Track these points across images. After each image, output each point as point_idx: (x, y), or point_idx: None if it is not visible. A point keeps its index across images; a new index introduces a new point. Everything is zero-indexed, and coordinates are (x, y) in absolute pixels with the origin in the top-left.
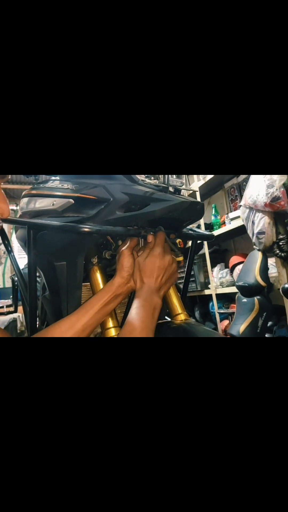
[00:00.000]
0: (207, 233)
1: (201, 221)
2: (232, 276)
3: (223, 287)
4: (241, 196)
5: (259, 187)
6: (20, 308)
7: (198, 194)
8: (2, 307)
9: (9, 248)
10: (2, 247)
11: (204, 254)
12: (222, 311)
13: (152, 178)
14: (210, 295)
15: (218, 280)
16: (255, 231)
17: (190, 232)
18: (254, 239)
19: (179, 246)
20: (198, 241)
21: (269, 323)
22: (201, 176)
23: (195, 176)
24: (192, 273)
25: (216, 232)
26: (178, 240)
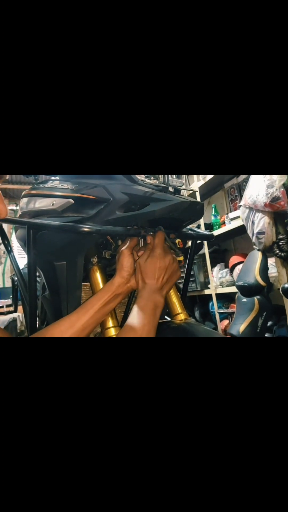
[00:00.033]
0: (207, 233)
1: (201, 221)
2: (232, 276)
3: (223, 287)
4: (241, 196)
5: (259, 187)
6: (20, 308)
7: (198, 194)
8: (2, 306)
9: (9, 248)
10: (2, 247)
11: (204, 254)
12: (222, 311)
13: (152, 178)
14: (210, 295)
15: (218, 280)
16: (255, 231)
17: (190, 232)
18: (254, 239)
19: (178, 246)
20: (198, 241)
21: (269, 323)
22: (201, 176)
23: (195, 176)
24: (192, 273)
25: (216, 232)
26: (177, 240)
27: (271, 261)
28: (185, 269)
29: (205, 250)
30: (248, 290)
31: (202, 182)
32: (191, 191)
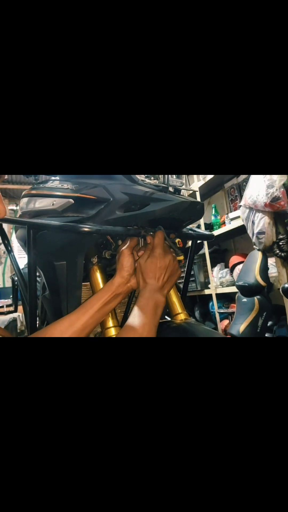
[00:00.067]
0: (207, 233)
1: (201, 221)
2: (232, 276)
3: (223, 286)
4: (241, 196)
5: (259, 187)
6: (20, 308)
7: (198, 194)
8: (2, 306)
9: (9, 248)
10: (2, 246)
11: (204, 254)
12: (222, 310)
13: (152, 178)
14: (210, 295)
15: (218, 280)
16: (255, 231)
17: (190, 232)
18: (254, 239)
19: (178, 246)
20: (198, 241)
21: (269, 323)
22: (201, 176)
23: (195, 176)
24: (192, 273)
25: (216, 232)
26: (177, 240)
27: (271, 261)
28: (185, 269)
29: (205, 250)
30: (248, 290)
31: (202, 182)
32: (191, 191)
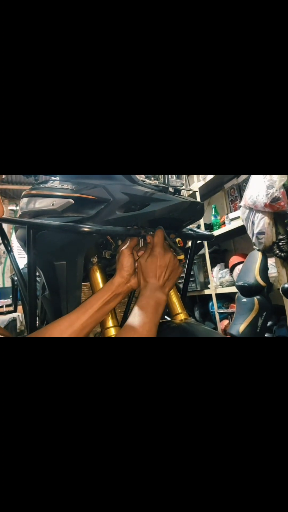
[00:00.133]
0: (207, 233)
1: (201, 222)
2: (232, 276)
3: (222, 287)
4: (241, 196)
5: (259, 188)
6: (19, 308)
7: (198, 194)
8: (2, 306)
9: (9, 248)
10: (2, 246)
11: (204, 254)
12: (221, 310)
13: (152, 178)
14: (210, 295)
15: (218, 280)
16: (255, 232)
17: (190, 232)
18: (254, 239)
19: (179, 245)
20: (198, 241)
21: (269, 323)
22: (201, 177)
23: (195, 176)
24: (192, 273)
25: (216, 233)
26: (177, 239)
27: (271, 261)
28: (185, 269)
29: (205, 250)
30: (248, 290)
31: (202, 183)
32: (191, 192)
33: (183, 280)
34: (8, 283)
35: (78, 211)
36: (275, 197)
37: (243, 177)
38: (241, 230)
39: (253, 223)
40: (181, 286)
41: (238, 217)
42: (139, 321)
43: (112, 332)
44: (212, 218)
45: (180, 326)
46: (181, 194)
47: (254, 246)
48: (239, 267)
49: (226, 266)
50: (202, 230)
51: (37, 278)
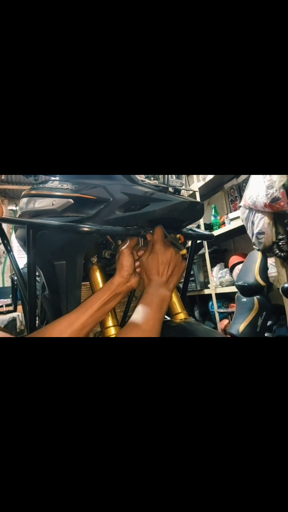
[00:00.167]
0: (207, 233)
1: (201, 222)
2: (231, 276)
3: (222, 286)
4: (241, 196)
5: (259, 188)
6: (19, 307)
7: (197, 194)
8: (2, 306)
9: (9, 248)
10: (2, 246)
11: (203, 254)
12: (221, 310)
13: (152, 178)
14: (210, 295)
15: (218, 279)
16: (255, 231)
17: (190, 232)
18: (253, 239)
19: (180, 241)
20: (198, 241)
21: (269, 322)
22: (201, 177)
23: (194, 176)
24: (192, 272)
25: (215, 232)
26: (178, 235)
27: (270, 261)
28: (185, 269)
29: (205, 250)
30: (248, 290)
31: (202, 183)
32: (191, 192)
33: (183, 280)
34: (8, 283)
35: (78, 211)
36: (275, 197)
37: (243, 177)
38: (241, 230)
39: (253, 223)
40: (181, 285)
41: (238, 217)
42: (143, 317)
43: (112, 331)
44: (212, 218)
45: (180, 325)
46: (181, 194)
47: (254, 246)
48: (239, 266)
49: (226, 266)
50: (202, 230)
51: (37, 278)
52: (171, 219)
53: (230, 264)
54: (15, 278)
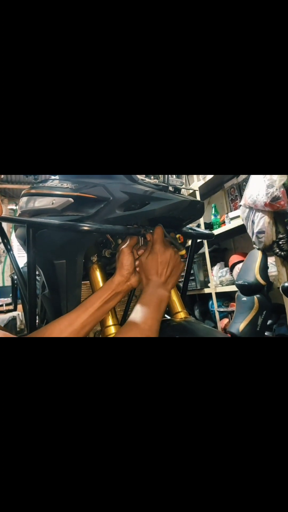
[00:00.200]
0: (207, 232)
1: (201, 221)
2: (231, 275)
3: (222, 285)
4: (241, 196)
5: (259, 187)
6: (19, 307)
7: (198, 194)
8: (2, 305)
9: (9, 247)
10: (2, 245)
11: (204, 253)
12: (221, 309)
13: (152, 177)
14: (210, 294)
15: (218, 278)
16: (255, 231)
17: (190, 231)
18: (254, 238)
19: (179, 241)
20: (198, 240)
21: (269, 322)
22: (201, 176)
23: (195, 176)
24: (192, 271)
25: (216, 232)
26: (178, 235)
27: (271, 260)
28: (185, 268)
29: (205, 249)
30: (248, 289)
31: (202, 182)
32: (191, 191)
33: (183, 279)
34: (8, 282)
35: (77, 210)
36: (275, 196)
37: (243, 176)
38: (241, 229)
39: (253, 222)
40: (181, 284)
41: (238, 216)
42: (141, 317)
43: (112, 330)
44: (212, 217)
45: (180, 324)
46: (181, 193)
47: (254, 245)
48: (239, 266)
49: (226, 265)
50: (202, 229)
51: (37, 277)
52: (171, 218)
53: (230, 263)
54: (15, 277)
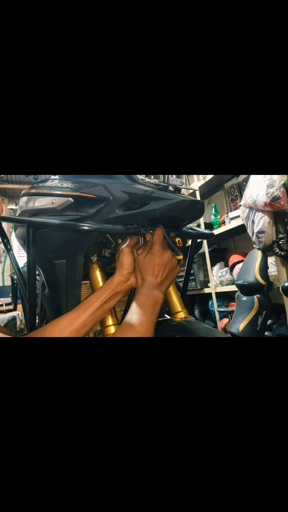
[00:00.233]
0: (207, 231)
1: (201, 221)
2: (231, 275)
3: (222, 285)
4: (241, 195)
5: (259, 187)
6: (19, 306)
7: (198, 193)
8: (2, 305)
9: (9, 247)
10: (2, 245)
11: (204, 253)
12: (221, 309)
13: (152, 177)
14: (210, 294)
15: (218, 278)
16: (255, 230)
17: (190, 230)
18: (254, 238)
19: (178, 245)
20: (198, 240)
21: (269, 321)
22: (201, 176)
23: (195, 176)
24: (192, 271)
25: (216, 231)
26: (177, 239)
27: (271, 260)
28: (185, 268)
29: (205, 249)
30: (248, 289)
31: (202, 182)
32: (191, 191)
33: (183, 279)
34: (8, 282)
35: (77, 209)
36: (275, 196)
37: (243, 176)
38: (241, 229)
39: (253, 222)
40: (181, 284)
41: (238, 216)
42: (136, 319)
43: (112, 330)
44: (212, 217)
45: (180, 324)
46: (181, 192)
47: (254, 245)
48: (239, 265)
49: (226, 265)
50: (202, 229)
51: (37, 277)
52: (171, 217)
53: (230, 263)
54: (15, 277)
